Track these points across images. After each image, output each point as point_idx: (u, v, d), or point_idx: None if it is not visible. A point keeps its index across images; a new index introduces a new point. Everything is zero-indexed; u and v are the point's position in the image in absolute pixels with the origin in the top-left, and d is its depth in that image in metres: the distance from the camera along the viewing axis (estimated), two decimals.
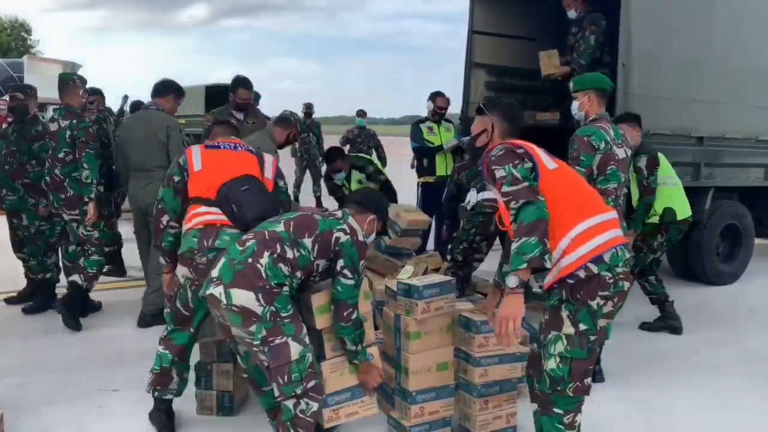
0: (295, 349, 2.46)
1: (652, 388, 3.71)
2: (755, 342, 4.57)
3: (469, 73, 6.58)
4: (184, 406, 3.22)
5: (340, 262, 2.62)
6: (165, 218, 3.00)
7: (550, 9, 6.52)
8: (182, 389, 3.07)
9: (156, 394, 3.02)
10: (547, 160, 2.39)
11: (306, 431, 2.50)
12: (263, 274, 2.46)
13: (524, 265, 2.11)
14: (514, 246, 2.13)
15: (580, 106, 3.66)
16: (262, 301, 2.43)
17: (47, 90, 6.85)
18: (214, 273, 2.52)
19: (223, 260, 2.55)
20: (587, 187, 2.51)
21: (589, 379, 2.36)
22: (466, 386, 3.06)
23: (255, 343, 2.45)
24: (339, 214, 2.75)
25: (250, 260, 2.48)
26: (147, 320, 4.56)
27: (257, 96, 7.28)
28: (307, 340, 2.53)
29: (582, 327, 2.27)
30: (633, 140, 4.22)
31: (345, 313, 2.64)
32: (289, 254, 2.54)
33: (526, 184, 2.23)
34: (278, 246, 2.53)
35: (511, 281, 2.15)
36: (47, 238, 4.96)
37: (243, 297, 2.42)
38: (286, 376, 2.45)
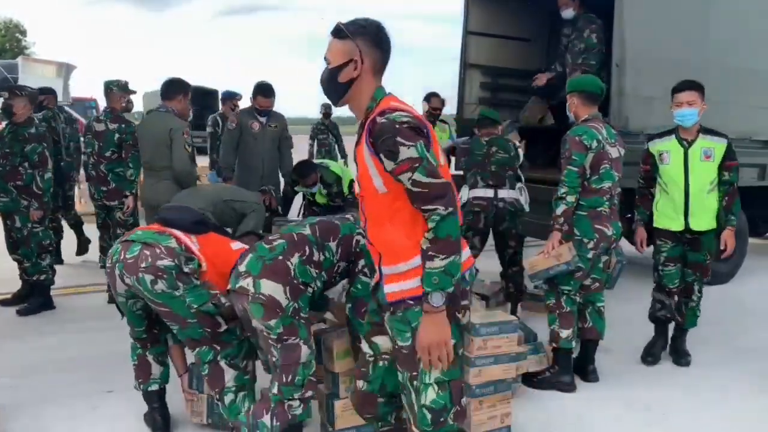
0: (304, 352, 2.54)
1: (645, 388, 3.72)
2: (748, 341, 4.59)
3: (464, 74, 6.60)
4: (180, 409, 3.20)
5: (362, 262, 2.72)
6: None
7: (544, 10, 6.55)
8: (167, 376, 3.08)
9: (142, 386, 3.03)
10: (440, 153, 2.04)
11: (280, 423, 2.52)
12: (292, 272, 2.54)
13: (452, 288, 1.89)
14: (441, 264, 1.84)
15: (569, 107, 3.75)
16: (288, 295, 2.49)
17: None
18: (242, 267, 2.56)
19: (250, 256, 2.60)
20: None
21: (465, 399, 2.17)
22: None
23: (272, 337, 2.50)
24: (351, 218, 2.84)
25: (280, 257, 2.54)
26: None
27: (232, 95, 7.35)
28: (313, 344, 2.61)
29: (452, 341, 1.97)
30: (701, 113, 3.90)
31: (363, 310, 2.70)
32: (316, 257, 2.62)
33: (443, 180, 1.88)
34: (307, 248, 2.61)
35: (438, 299, 1.87)
36: (40, 240, 4.95)
37: (271, 287, 2.48)
38: (290, 376, 2.51)
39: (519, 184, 4.73)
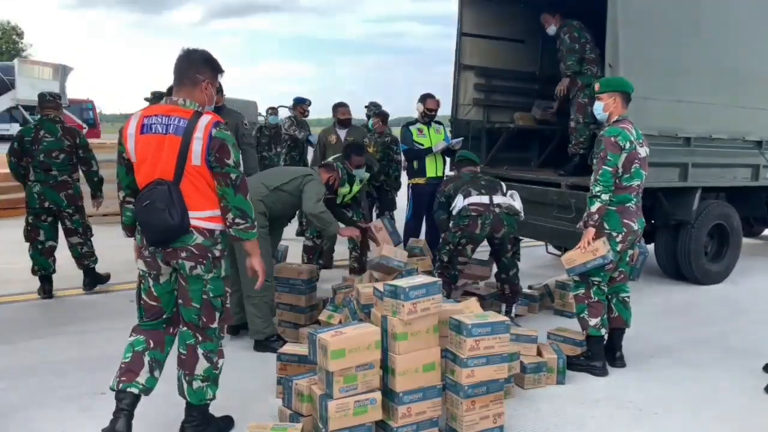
0: None
1: (638, 387, 3.73)
2: (740, 341, 4.59)
3: (459, 75, 6.62)
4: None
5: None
6: (121, 194, 2.97)
7: (537, 11, 6.57)
8: (151, 387, 2.87)
9: (120, 386, 2.80)
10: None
11: None
12: None
13: None
14: None
15: (605, 107, 3.89)
16: None
17: (37, 93, 6.83)
18: None
19: None
20: None
21: None
22: (453, 387, 3.07)
23: None
24: None
25: None
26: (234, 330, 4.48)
27: (302, 100, 7.86)
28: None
29: None
30: None
31: None
32: None
33: None
34: None
35: None
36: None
37: None
38: None
39: (510, 191, 4.78)
